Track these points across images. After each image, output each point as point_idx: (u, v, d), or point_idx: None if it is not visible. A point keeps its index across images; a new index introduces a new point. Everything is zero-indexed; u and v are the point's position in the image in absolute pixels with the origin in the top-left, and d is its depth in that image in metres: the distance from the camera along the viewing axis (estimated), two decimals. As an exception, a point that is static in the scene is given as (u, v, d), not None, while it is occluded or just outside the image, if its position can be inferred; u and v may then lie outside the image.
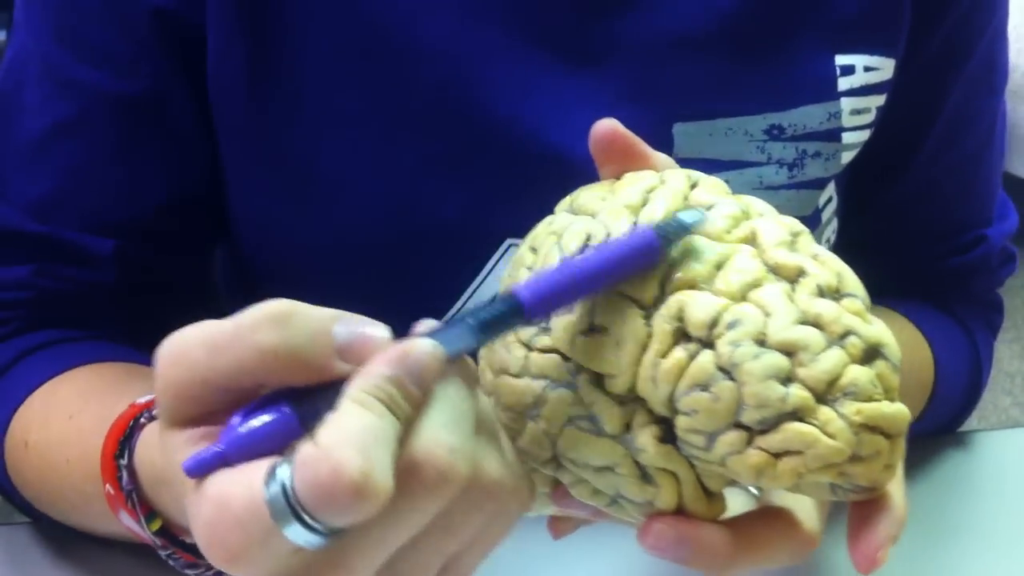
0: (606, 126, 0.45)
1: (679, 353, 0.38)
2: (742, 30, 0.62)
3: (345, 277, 0.63)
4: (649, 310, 0.39)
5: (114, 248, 0.65)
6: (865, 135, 0.65)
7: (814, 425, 0.37)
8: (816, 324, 0.38)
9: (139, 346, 0.65)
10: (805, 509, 0.43)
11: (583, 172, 0.58)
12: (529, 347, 0.40)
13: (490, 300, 0.38)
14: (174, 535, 0.48)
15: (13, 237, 0.65)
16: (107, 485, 0.49)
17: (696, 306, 0.38)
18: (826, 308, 0.38)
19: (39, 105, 0.64)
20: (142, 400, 0.49)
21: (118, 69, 0.63)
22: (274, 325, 0.36)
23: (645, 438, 0.39)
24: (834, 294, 0.39)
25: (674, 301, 0.38)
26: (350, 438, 0.33)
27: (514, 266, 0.44)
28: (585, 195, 0.45)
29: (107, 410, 0.51)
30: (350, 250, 0.62)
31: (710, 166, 0.60)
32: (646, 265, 0.39)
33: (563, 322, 0.40)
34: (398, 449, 0.34)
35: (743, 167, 0.62)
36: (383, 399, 0.34)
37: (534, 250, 0.43)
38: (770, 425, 0.37)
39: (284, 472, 0.33)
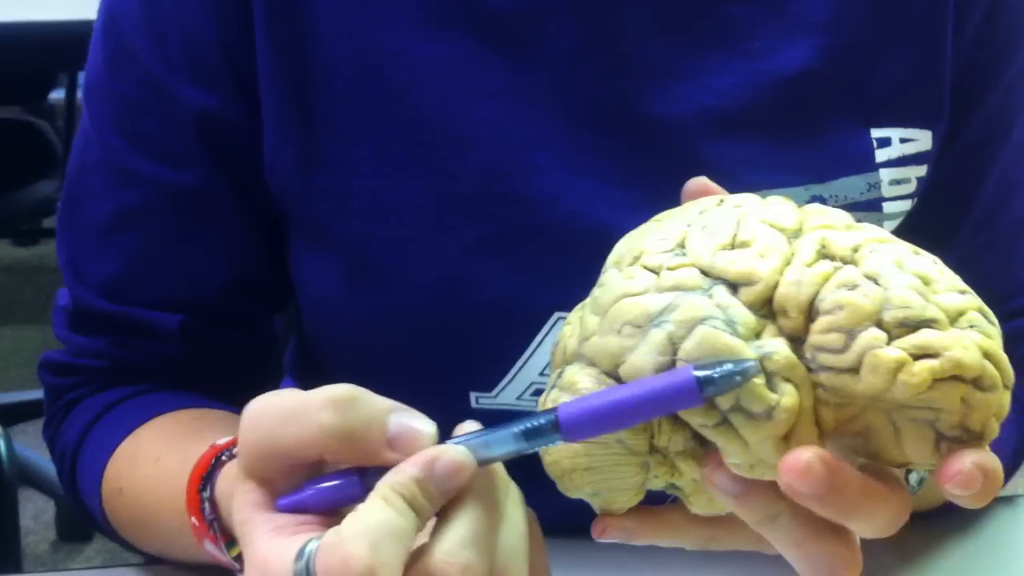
0: (699, 183, 0.48)
1: (825, 264, 0.41)
2: (780, 108, 0.63)
3: (398, 356, 0.65)
4: (791, 237, 0.42)
5: (179, 324, 0.69)
6: (907, 204, 0.66)
7: (948, 335, 0.39)
8: (941, 275, 0.41)
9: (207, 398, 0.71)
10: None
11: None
12: (658, 270, 0.42)
13: (533, 415, 0.42)
14: None
15: (90, 313, 0.71)
16: (192, 518, 0.54)
17: (838, 236, 0.41)
18: (948, 272, 0.42)
19: (103, 191, 0.69)
20: (221, 441, 0.55)
21: (171, 163, 0.67)
22: (336, 408, 0.42)
23: (776, 344, 0.40)
24: (951, 273, 0.43)
25: (815, 233, 0.42)
26: (366, 532, 0.38)
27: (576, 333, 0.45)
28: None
29: (188, 452, 0.57)
30: (402, 331, 0.64)
31: None
32: (684, 406, 0.40)
33: (705, 240, 0.42)
34: (411, 544, 0.39)
35: None
36: (406, 497, 0.40)
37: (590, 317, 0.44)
38: (910, 327, 0.39)
39: (311, 551, 0.40)
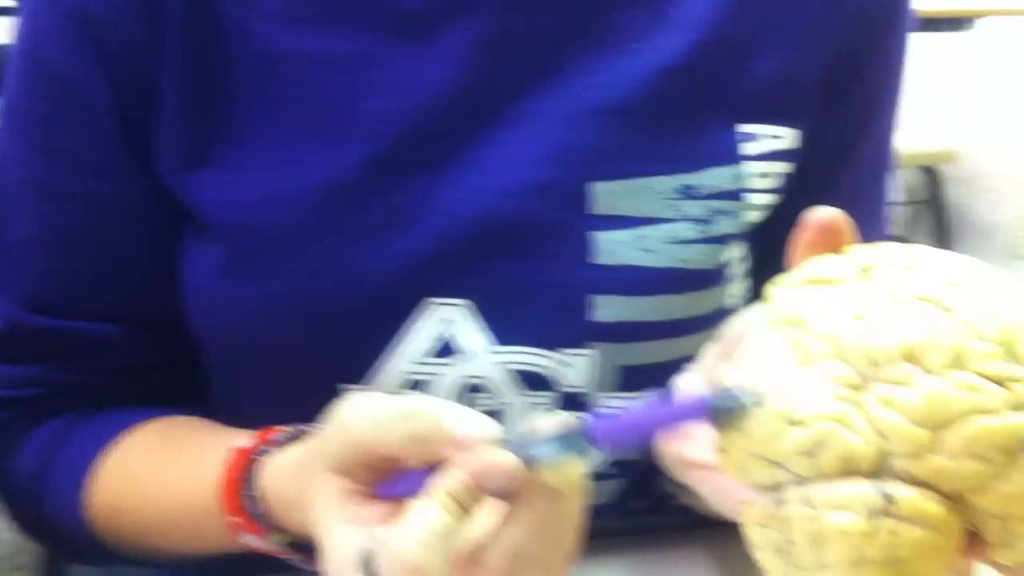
0: (831, 213, 0.48)
1: None
2: (655, 101, 0.66)
3: (273, 347, 0.65)
4: None
5: (123, 333, 0.69)
6: (771, 198, 0.69)
7: None
8: None
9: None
10: None
11: (505, 232, 0.63)
12: (1002, 384, 0.39)
13: (576, 426, 0.45)
14: (295, 543, 0.58)
15: (26, 334, 0.69)
16: (232, 517, 0.59)
17: None
18: None
19: (24, 211, 0.68)
20: (242, 444, 0.59)
21: (91, 171, 0.66)
22: (408, 418, 0.48)
23: None
24: None
25: None
26: (417, 533, 0.45)
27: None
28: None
29: (194, 461, 0.63)
30: (278, 321, 0.64)
31: (626, 222, 0.64)
32: (693, 420, 0.44)
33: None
34: (458, 540, 0.45)
35: (657, 223, 0.65)
36: (457, 499, 0.45)
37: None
38: None
39: (370, 547, 0.46)
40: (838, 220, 0.48)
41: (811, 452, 0.40)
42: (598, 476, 0.69)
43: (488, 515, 0.47)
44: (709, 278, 0.67)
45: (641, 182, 0.65)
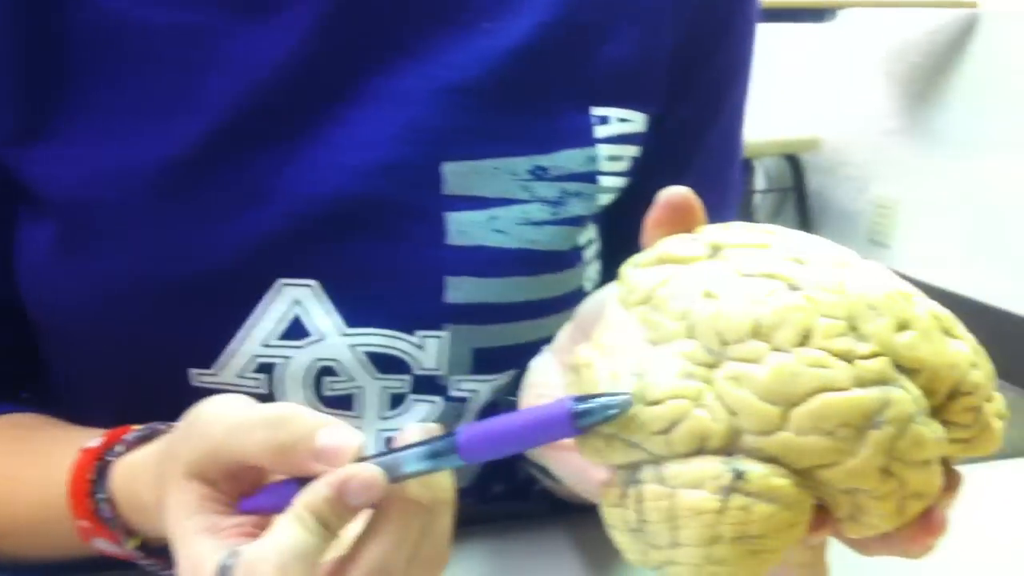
0: (681, 192, 0.47)
1: (952, 340, 0.42)
2: (507, 82, 0.65)
3: (114, 329, 0.62)
4: (914, 305, 0.42)
5: None
6: (621, 181, 0.69)
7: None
8: None
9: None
10: None
11: (355, 211, 0.61)
12: (849, 359, 0.39)
13: (441, 436, 0.43)
14: (150, 548, 0.55)
15: None
16: (81, 521, 0.56)
17: (936, 305, 0.42)
18: None
19: None
20: (91, 444, 0.56)
21: None
22: (270, 426, 0.45)
23: (939, 428, 0.41)
24: None
25: (922, 302, 0.42)
26: (276, 555, 0.42)
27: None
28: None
29: (41, 463, 0.60)
30: (118, 301, 0.62)
31: (478, 203, 0.63)
32: (562, 435, 0.41)
33: (881, 326, 0.40)
34: (320, 559, 0.43)
35: (509, 204, 0.64)
36: (318, 516, 0.43)
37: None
38: (992, 395, 0.43)
39: (230, 565, 0.43)
40: (688, 199, 0.47)
41: (664, 431, 0.40)
42: None
43: (355, 529, 0.45)
44: (563, 260, 0.66)
45: (493, 163, 0.64)
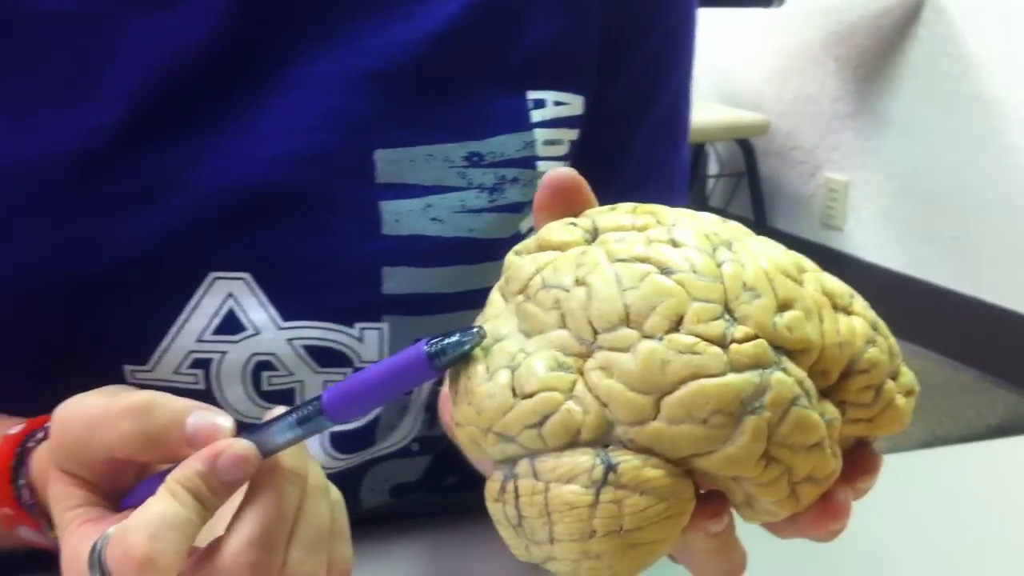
0: (566, 173, 0.46)
1: (843, 318, 0.41)
2: (435, 66, 0.64)
3: (38, 328, 0.61)
4: (800, 282, 0.40)
5: None
6: (560, 165, 0.67)
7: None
8: None
9: None
10: None
11: (283, 202, 0.60)
12: (723, 343, 0.38)
13: (308, 401, 0.43)
14: None
15: None
16: (3, 508, 0.54)
17: (828, 278, 0.41)
18: None
19: None
20: (13, 431, 0.54)
21: None
22: (133, 416, 0.44)
23: (831, 408, 0.40)
24: None
25: (810, 276, 0.41)
26: (147, 523, 0.41)
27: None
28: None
29: None
30: (36, 298, 0.60)
31: (413, 191, 0.62)
32: (423, 379, 0.41)
33: (757, 307, 0.38)
34: (195, 533, 0.42)
35: (445, 192, 0.63)
36: (191, 490, 0.42)
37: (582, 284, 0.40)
38: (898, 371, 0.42)
39: (102, 543, 0.42)
40: (573, 180, 0.46)
41: (536, 424, 0.39)
42: (404, 453, 0.67)
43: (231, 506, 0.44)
44: (503, 247, 0.65)
45: (427, 150, 0.63)
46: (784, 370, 0.38)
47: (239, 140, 0.61)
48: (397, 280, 0.61)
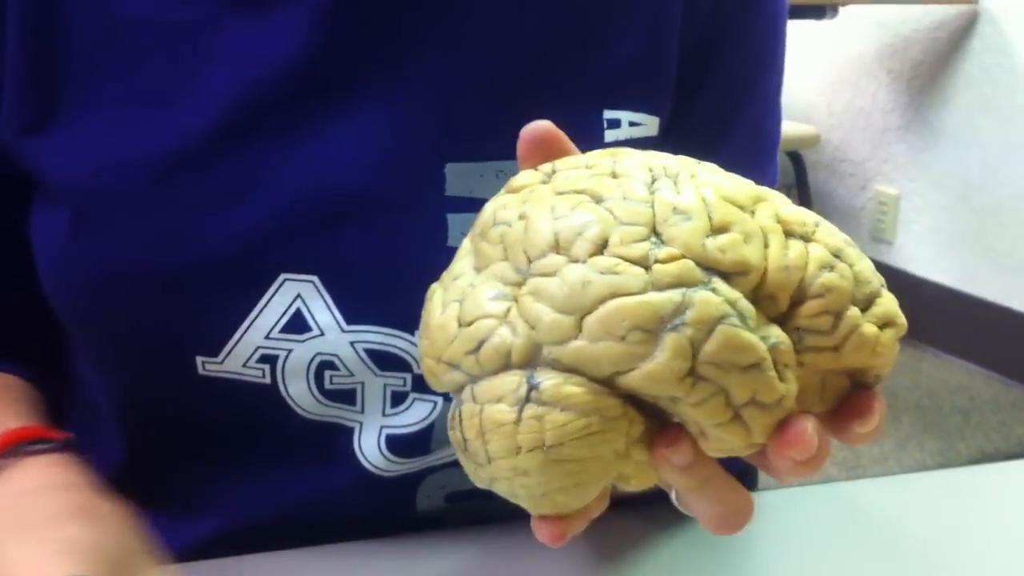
0: (543, 125, 0.49)
1: (798, 244, 0.40)
2: (514, 82, 0.65)
3: (121, 315, 0.63)
4: (751, 214, 0.41)
5: None
6: None
7: (890, 300, 0.42)
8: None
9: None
10: None
11: (355, 208, 0.62)
12: (646, 264, 0.39)
13: None
14: None
15: None
16: None
17: (788, 209, 0.42)
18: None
19: None
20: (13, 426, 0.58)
21: None
22: None
23: (777, 332, 0.40)
24: None
25: (766, 206, 0.41)
26: None
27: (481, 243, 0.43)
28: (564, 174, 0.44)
29: None
30: (121, 288, 0.62)
31: (480, 205, 0.61)
32: None
33: (686, 228, 0.39)
34: None
35: None
36: None
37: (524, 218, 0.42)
38: (872, 301, 0.41)
39: None
40: (550, 131, 0.48)
41: (474, 350, 0.41)
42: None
43: None
44: None
45: (496, 165, 0.64)
46: (713, 289, 0.38)
47: (321, 146, 0.62)
48: None
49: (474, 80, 0.64)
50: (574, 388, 0.39)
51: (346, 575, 0.62)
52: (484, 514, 0.66)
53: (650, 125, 0.68)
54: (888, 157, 3.57)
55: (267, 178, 0.62)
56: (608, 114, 0.66)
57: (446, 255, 0.62)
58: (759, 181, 0.75)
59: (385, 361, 0.63)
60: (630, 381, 0.39)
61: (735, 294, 0.39)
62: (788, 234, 0.41)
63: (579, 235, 0.40)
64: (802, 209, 0.42)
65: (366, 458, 0.65)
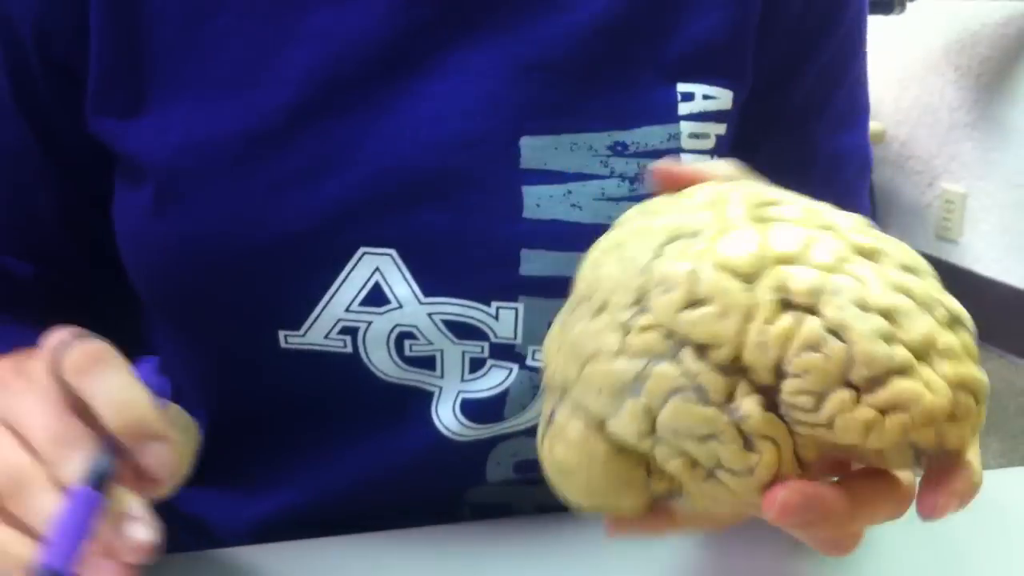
0: (663, 166, 0.51)
1: (787, 319, 0.40)
2: (589, 58, 0.65)
3: (203, 291, 0.65)
4: (750, 283, 0.40)
5: (33, 273, 0.72)
6: (706, 159, 0.68)
7: (918, 382, 0.39)
8: (906, 294, 0.40)
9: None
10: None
11: (433, 184, 0.63)
12: (626, 331, 0.42)
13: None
14: None
15: None
16: None
17: (798, 277, 0.40)
18: (912, 280, 0.41)
19: None
20: None
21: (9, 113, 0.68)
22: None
23: (749, 405, 0.40)
24: (913, 271, 0.42)
25: (774, 273, 0.40)
26: None
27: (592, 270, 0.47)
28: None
29: None
30: (204, 263, 0.64)
31: (555, 177, 0.64)
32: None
33: (664, 300, 0.41)
34: None
35: (587, 179, 0.64)
36: None
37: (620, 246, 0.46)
38: (878, 383, 0.39)
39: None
40: (668, 172, 0.51)
41: (544, 360, 0.48)
42: (534, 432, 0.69)
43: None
44: None
45: (572, 138, 0.65)
46: (679, 362, 0.41)
47: (399, 123, 0.64)
48: (534, 262, 0.63)
49: (548, 54, 0.65)
50: (571, 429, 0.45)
51: (397, 561, 0.62)
52: (546, 488, 0.67)
53: (724, 99, 0.68)
54: (955, 155, 3.52)
55: (346, 155, 0.63)
56: (682, 87, 0.67)
57: (522, 227, 0.63)
58: (861, 144, 0.77)
59: (462, 331, 0.65)
60: (609, 431, 0.43)
61: (699, 367, 0.41)
62: (788, 305, 0.40)
63: (596, 291, 0.45)
64: (826, 258, 0.41)
65: (442, 422, 0.66)
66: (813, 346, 0.39)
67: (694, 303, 0.41)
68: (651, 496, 0.45)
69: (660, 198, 0.48)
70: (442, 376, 0.66)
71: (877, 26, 3.66)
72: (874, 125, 3.56)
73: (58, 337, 0.49)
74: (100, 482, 0.46)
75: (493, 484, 0.69)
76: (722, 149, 0.69)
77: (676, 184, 0.49)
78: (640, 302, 0.42)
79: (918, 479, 0.44)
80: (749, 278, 0.41)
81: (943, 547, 0.64)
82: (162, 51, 0.65)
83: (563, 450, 0.45)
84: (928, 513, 0.42)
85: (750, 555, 0.62)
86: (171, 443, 0.48)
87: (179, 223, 0.64)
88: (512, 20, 0.65)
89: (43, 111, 0.68)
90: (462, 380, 0.66)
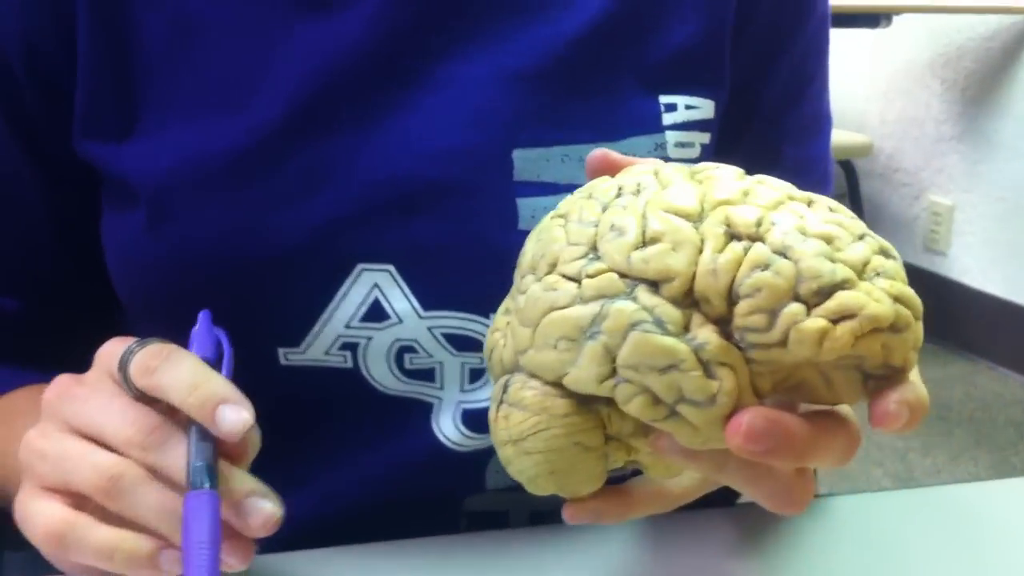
0: (599, 153, 0.51)
1: (735, 246, 0.42)
2: (574, 68, 0.66)
3: (200, 308, 0.63)
4: (696, 222, 0.43)
5: (17, 308, 0.71)
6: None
7: (861, 293, 0.42)
8: (840, 227, 0.43)
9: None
10: (845, 411, 0.46)
11: (428, 196, 0.63)
12: (579, 279, 0.43)
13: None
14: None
15: None
16: None
17: (740, 212, 0.43)
18: (843, 218, 0.44)
19: None
20: None
21: None
22: None
23: (706, 333, 0.42)
24: (843, 213, 0.44)
25: (719, 211, 0.43)
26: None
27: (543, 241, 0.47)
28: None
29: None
30: (199, 281, 0.64)
31: (548, 189, 0.65)
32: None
33: (616, 244, 0.43)
34: None
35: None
36: None
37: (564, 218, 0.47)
38: (825, 295, 0.41)
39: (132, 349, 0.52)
40: (603, 159, 0.51)
41: (488, 358, 0.48)
42: None
43: None
44: None
45: (562, 150, 0.65)
46: (634, 299, 0.42)
47: (391, 137, 0.64)
48: None
49: (537, 67, 0.66)
50: (528, 391, 0.45)
51: (394, 573, 0.63)
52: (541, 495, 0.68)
53: (706, 108, 0.69)
54: (942, 167, 3.54)
55: (339, 170, 0.63)
56: (664, 99, 0.68)
57: (517, 239, 0.63)
58: (824, 151, 0.78)
59: (462, 343, 0.65)
60: (568, 384, 0.44)
61: (655, 301, 0.42)
62: (734, 237, 0.42)
63: (542, 256, 0.46)
64: (764, 198, 0.43)
65: (443, 433, 0.67)
66: (762, 266, 0.42)
67: (646, 243, 0.43)
68: (606, 468, 0.46)
69: (596, 180, 0.49)
70: (442, 388, 0.66)
71: (863, 40, 3.68)
72: (861, 138, 3.58)
73: (114, 346, 0.51)
74: (208, 476, 0.47)
75: (491, 492, 0.70)
76: (707, 158, 0.70)
77: (613, 171, 0.50)
78: (591, 252, 0.44)
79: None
80: (696, 217, 0.43)
81: (935, 558, 0.65)
82: (150, 73, 0.65)
83: (520, 416, 0.45)
84: (880, 422, 0.43)
85: (747, 571, 0.62)
86: (246, 406, 0.50)
87: (173, 242, 0.64)
88: (497, 31, 0.66)
89: (31, 127, 0.68)
90: (462, 391, 0.66)
